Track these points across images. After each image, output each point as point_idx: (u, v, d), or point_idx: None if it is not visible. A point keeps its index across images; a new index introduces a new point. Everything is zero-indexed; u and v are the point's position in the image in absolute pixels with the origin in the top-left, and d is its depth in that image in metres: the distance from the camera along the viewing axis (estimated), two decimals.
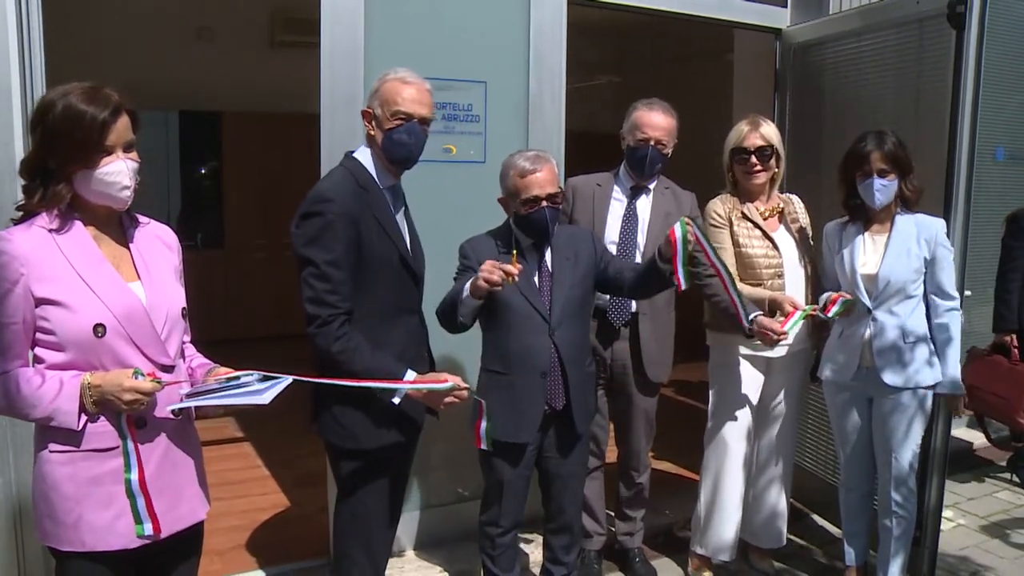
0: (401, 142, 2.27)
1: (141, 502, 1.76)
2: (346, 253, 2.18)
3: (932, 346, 2.90)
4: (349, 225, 2.18)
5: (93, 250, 1.75)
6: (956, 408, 2.99)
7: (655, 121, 2.99)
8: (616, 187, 3.14)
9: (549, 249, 2.63)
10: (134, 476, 1.75)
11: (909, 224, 2.87)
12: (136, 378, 1.69)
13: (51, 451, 1.73)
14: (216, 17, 6.82)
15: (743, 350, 3.11)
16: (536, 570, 3.05)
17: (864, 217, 2.94)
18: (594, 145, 3.39)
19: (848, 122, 3.62)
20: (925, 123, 2.96)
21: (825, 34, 3.77)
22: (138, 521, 1.77)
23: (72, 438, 1.72)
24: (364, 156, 2.33)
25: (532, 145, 3.35)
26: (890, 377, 2.86)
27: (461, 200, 3.28)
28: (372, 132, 2.31)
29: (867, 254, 2.91)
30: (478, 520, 2.74)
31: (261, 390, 1.78)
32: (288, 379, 1.83)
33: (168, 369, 1.81)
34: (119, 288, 1.75)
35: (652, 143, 2.99)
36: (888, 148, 2.81)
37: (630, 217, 3.10)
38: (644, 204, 3.12)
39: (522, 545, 3.31)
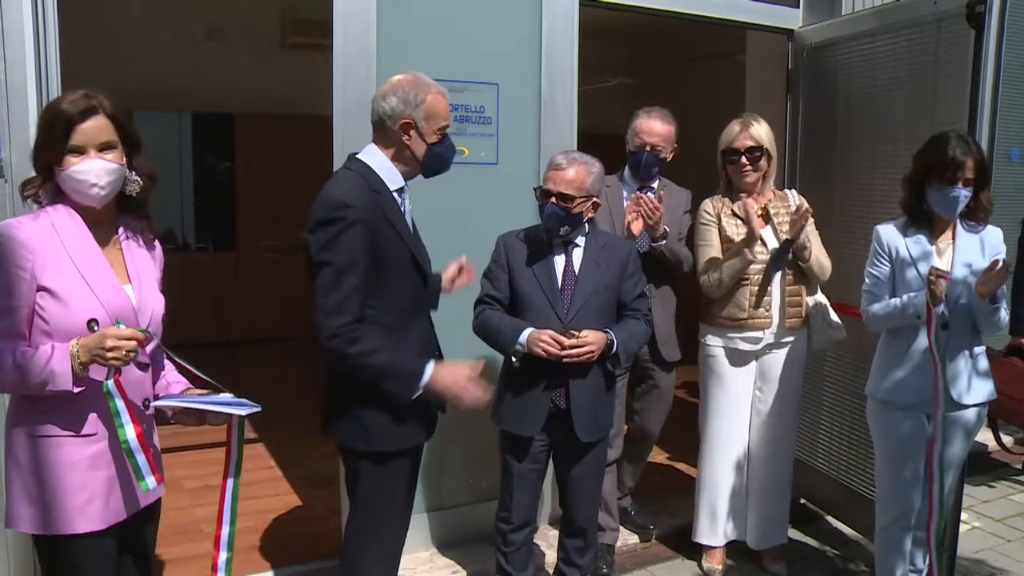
0: (444, 156, 2.31)
1: (141, 458, 1.76)
2: (363, 259, 2.14)
3: (986, 356, 2.79)
4: (367, 231, 2.15)
5: (93, 248, 1.83)
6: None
7: (652, 127, 3.23)
8: (624, 187, 3.33)
9: (578, 249, 2.64)
10: (130, 433, 1.75)
11: (972, 235, 2.72)
12: (118, 327, 1.74)
13: (29, 436, 1.77)
14: (227, 19, 6.84)
15: (736, 344, 3.18)
16: (552, 570, 3.04)
17: (928, 224, 2.73)
18: (607, 146, 3.38)
19: (861, 123, 3.59)
20: (941, 125, 2.91)
21: (838, 35, 3.74)
22: (140, 477, 1.77)
23: (55, 420, 1.76)
24: (372, 158, 2.26)
25: (544, 147, 3.38)
26: (958, 393, 2.70)
27: (473, 202, 3.28)
28: (408, 142, 2.25)
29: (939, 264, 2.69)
30: (495, 517, 2.77)
31: (236, 404, 1.88)
32: (256, 408, 1.90)
33: (143, 367, 1.89)
34: (114, 288, 1.83)
35: (648, 148, 3.21)
36: (980, 157, 2.63)
37: None
38: None
39: (540, 544, 3.32)
